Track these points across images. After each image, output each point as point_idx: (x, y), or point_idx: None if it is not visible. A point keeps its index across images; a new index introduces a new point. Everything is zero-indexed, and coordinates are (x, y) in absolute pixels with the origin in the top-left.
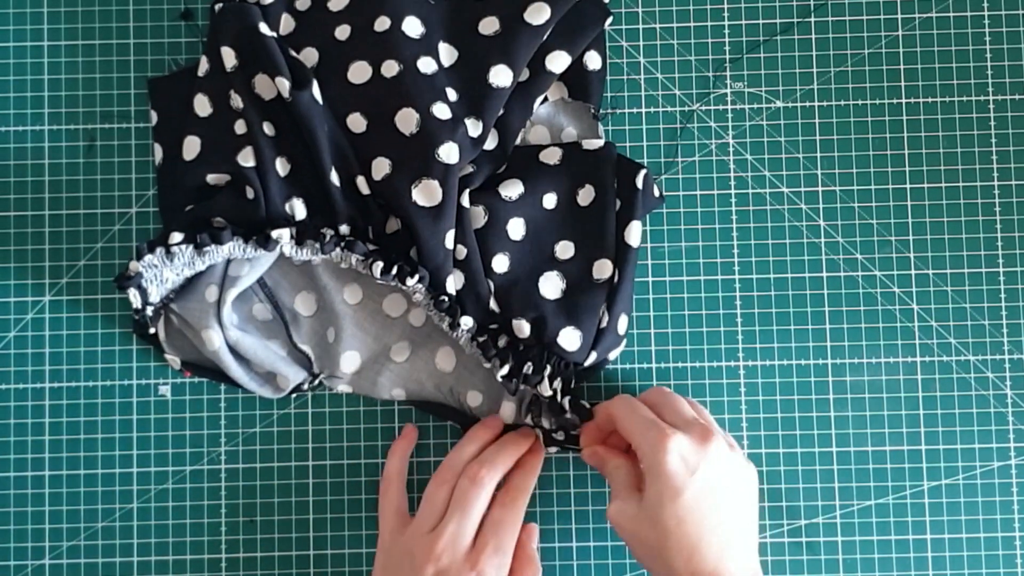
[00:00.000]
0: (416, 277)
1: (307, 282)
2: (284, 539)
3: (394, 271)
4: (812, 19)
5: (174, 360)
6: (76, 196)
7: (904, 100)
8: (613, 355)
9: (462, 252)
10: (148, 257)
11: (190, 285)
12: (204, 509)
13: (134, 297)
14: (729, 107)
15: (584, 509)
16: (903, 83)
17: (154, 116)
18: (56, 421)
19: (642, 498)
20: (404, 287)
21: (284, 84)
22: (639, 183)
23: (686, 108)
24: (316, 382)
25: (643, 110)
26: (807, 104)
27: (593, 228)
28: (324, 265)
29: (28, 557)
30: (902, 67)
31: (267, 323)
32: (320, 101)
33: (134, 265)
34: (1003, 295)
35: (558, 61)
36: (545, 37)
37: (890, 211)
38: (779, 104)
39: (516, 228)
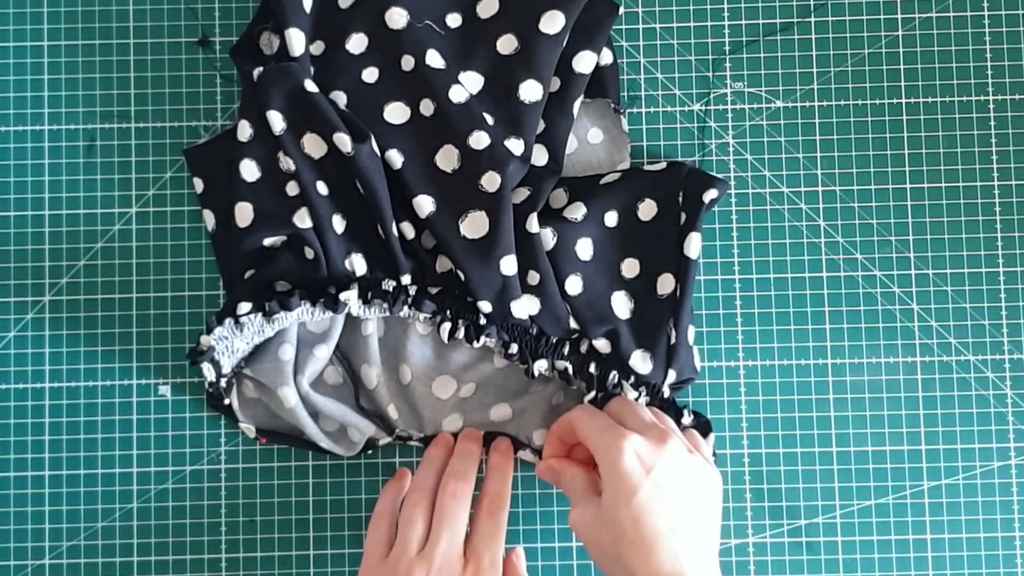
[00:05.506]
0: (484, 335)
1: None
2: (284, 539)
3: (460, 334)
4: (812, 19)
5: (249, 428)
6: (76, 196)
7: (904, 100)
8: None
9: (535, 278)
10: (218, 330)
11: (261, 347)
12: (204, 509)
13: (208, 371)
14: (729, 107)
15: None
16: (903, 83)
17: (199, 184)
18: (56, 421)
19: (600, 502)
20: (473, 347)
21: (344, 140)
22: (706, 198)
23: (686, 108)
24: (393, 437)
25: (643, 110)
26: (807, 104)
27: (656, 242)
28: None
29: (28, 557)
30: (902, 67)
31: (337, 387)
32: (378, 153)
33: (205, 339)
34: (1003, 295)
35: (585, 61)
36: (564, 43)
37: (890, 211)
38: (779, 104)
39: (584, 249)
